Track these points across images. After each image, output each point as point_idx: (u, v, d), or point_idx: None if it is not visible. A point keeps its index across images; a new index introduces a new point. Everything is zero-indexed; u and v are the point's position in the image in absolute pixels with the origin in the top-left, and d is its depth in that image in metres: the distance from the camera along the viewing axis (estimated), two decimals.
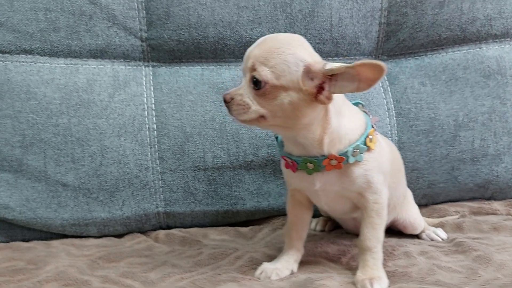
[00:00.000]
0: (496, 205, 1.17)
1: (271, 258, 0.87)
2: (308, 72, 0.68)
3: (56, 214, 0.98)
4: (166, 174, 1.04)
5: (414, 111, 1.14)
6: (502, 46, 1.17)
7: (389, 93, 1.16)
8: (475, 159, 1.15)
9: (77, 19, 1.01)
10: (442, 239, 0.99)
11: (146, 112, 1.05)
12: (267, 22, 1.07)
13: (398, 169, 0.91)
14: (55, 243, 0.98)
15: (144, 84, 1.07)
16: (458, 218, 1.11)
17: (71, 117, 1.00)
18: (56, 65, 1.02)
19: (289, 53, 0.69)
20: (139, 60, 1.09)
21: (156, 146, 1.04)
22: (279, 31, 1.08)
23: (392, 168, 0.86)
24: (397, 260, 0.86)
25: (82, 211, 0.99)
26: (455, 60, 1.16)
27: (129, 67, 1.08)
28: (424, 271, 0.80)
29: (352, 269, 0.82)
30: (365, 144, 0.75)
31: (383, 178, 0.80)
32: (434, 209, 1.20)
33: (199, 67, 1.10)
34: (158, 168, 1.04)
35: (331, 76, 0.67)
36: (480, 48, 1.17)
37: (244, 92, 0.72)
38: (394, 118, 1.14)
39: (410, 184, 1.15)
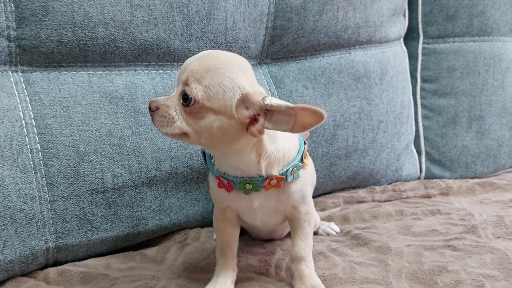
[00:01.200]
0: (361, 192, 1.33)
1: (198, 281, 0.84)
2: (244, 101, 0.65)
3: None
4: (57, 203, 0.88)
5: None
6: (367, 51, 1.31)
7: (276, 96, 1.19)
8: (348, 154, 1.28)
9: None
10: (337, 233, 1.08)
11: (25, 129, 0.86)
12: (163, 24, 0.98)
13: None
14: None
15: (17, 94, 0.87)
16: (340, 209, 1.22)
17: None
18: None
19: (228, 76, 0.65)
20: (5, 64, 0.88)
21: (43, 170, 0.86)
22: (176, 33, 1.00)
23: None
24: (317, 262, 0.90)
25: None
26: (331, 65, 1.25)
27: None
28: (348, 270, 0.86)
29: (284, 280, 0.85)
30: (301, 161, 0.77)
31: (311, 189, 0.83)
32: (315, 202, 1.27)
33: (83, 72, 0.94)
34: (47, 196, 0.87)
35: (268, 110, 0.65)
36: (349, 53, 1.28)
37: (171, 104, 0.68)
38: None
39: None
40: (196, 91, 0.64)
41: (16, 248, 0.84)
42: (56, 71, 0.92)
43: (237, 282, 0.83)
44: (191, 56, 0.70)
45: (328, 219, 1.15)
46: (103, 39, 0.93)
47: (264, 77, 1.19)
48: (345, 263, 0.90)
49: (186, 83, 0.66)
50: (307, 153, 0.80)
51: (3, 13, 0.85)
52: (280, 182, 0.74)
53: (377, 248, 0.95)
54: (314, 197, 1.28)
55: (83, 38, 0.91)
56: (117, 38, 0.94)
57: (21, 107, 0.87)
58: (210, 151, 0.74)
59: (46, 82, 0.90)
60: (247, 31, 1.11)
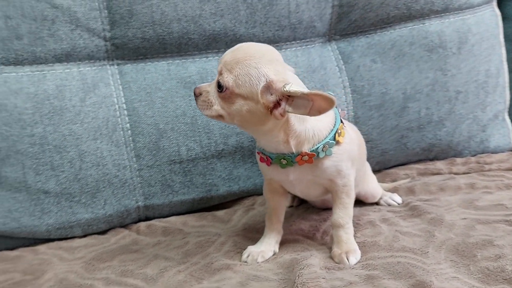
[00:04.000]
0: (439, 164, 1.32)
1: (251, 239, 0.96)
2: (269, 88, 0.75)
3: (40, 221, 1.01)
4: (144, 171, 1.09)
5: (367, 88, 1.24)
6: (443, 20, 1.27)
7: (344, 71, 1.24)
8: (421, 127, 1.28)
9: (39, 24, 1.00)
10: (398, 204, 1.12)
11: (118, 112, 1.07)
12: (229, 14, 1.11)
13: (362, 152, 1.02)
14: (42, 248, 1.02)
15: (112, 84, 1.09)
16: (409, 181, 1.25)
17: (45, 126, 1.01)
18: (23, 73, 1.02)
19: (254, 66, 0.75)
20: (103, 60, 1.10)
21: (132, 145, 1.08)
22: (241, 22, 1.12)
23: (359, 153, 0.96)
24: (363, 230, 0.97)
25: (66, 215, 1.03)
26: (402, 37, 1.25)
27: (95, 67, 1.08)
28: (390, 239, 0.91)
29: (326, 244, 0.93)
30: (334, 139, 0.84)
31: (351, 164, 0.90)
32: (387, 173, 1.33)
33: (164, 62, 1.12)
34: (135, 165, 1.09)
35: (289, 96, 0.75)
36: (423, 24, 1.26)
37: (211, 90, 0.80)
38: (350, 95, 1.24)
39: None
40: (227, 79, 0.76)
41: (113, 206, 1.07)
42: (142, 63, 1.12)
43: (283, 243, 0.94)
44: (255, 41, 0.81)
45: (394, 190, 1.20)
46: (178, 32, 1.09)
47: (332, 54, 1.25)
48: (390, 232, 0.95)
49: (220, 73, 0.77)
50: (343, 131, 0.86)
51: (99, 18, 1.05)
52: (312, 158, 0.83)
53: (429, 220, 0.98)
54: (386, 168, 1.34)
55: (161, 34, 1.08)
56: (189, 31, 1.10)
57: (115, 94, 1.08)
58: (245, 131, 0.86)
59: (134, 73, 1.11)
60: (311, 11, 1.18)
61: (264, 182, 0.95)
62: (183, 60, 1.13)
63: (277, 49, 0.82)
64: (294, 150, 0.82)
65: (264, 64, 0.77)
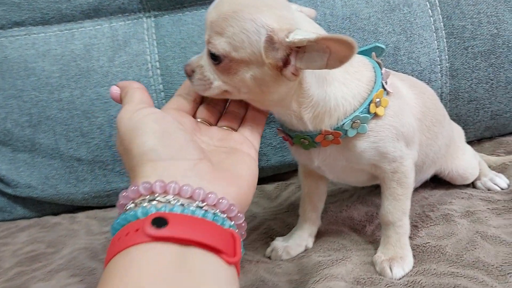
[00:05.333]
0: None
1: (289, 227, 0.80)
2: (272, 42, 0.53)
3: (76, 188, 0.98)
4: None
5: (471, 29, 0.92)
6: None
7: (438, 8, 0.93)
8: None
9: None
10: (502, 189, 0.84)
11: (150, 72, 0.96)
12: None
13: (434, 121, 0.74)
14: (80, 216, 1.00)
15: (147, 39, 0.97)
16: None
17: (72, 90, 0.95)
18: (51, 33, 0.96)
19: (248, 18, 0.53)
20: (139, 12, 0.98)
21: None
22: None
23: (425, 124, 0.71)
24: (432, 227, 0.74)
25: (101, 183, 0.98)
26: None
27: (129, 21, 0.98)
28: (463, 245, 0.67)
29: (376, 241, 0.72)
30: (368, 111, 0.61)
31: (404, 143, 0.65)
32: (501, 142, 1.02)
33: (203, 10, 0.96)
34: None
35: (299, 48, 0.52)
36: None
37: (205, 64, 0.58)
38: (445, 40, 0.93)
39: (467, 117, 0.97)
40: (221, 45, 0.54)
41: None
42: (180, 13, 0.97)
43: (323, 235, 0.77)
44: None
45: (503, 168, 0.90)
46: None
47: None
48: (468, 234, 0.70)
49: (208, 41, 0.56)
50: (385, 99, 0.62)
51: None
52: (338, 137, 0.61)
53: None
54: (501, 136, 1.01)
55: None
56: None
57: (149, 51, 0.97)
58: (256, 105, 0.66)
59: (171, 25, 0.97)
60: None
61: (298, 164, 0.76)
62: None
63: None
64: (310, 127, 0.61)
65: (262, 12, 0.54)
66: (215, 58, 0.56)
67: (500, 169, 0.90)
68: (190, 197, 0.43)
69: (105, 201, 1.01)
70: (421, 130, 0.70)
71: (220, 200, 0.44)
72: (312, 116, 0.60)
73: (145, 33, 0.97)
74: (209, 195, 0.43)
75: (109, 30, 0.97)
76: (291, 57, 0.53)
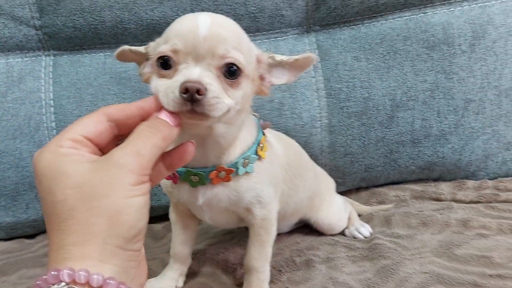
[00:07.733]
0: (443, 186, 1.09)
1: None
2: (259, 62, 0.61)
3: None
4: None
5: (346, 91, 1.02)
6: (452, 9, 1.00)
7: (320, 70, 1.03)
8: (416, 141, 1.04)
9: None
10: (365, 237, 0.92)
11: (43, 109, 0.98)
12: (169, 1, 0.95)
13: (297, 174, 0.81)
14: None
15: (43, 77, 0.99)
16: (392, 206, 1.03)
17: None
18: None
19: (247, 37, 0.60)
20: (38, 50, 1.00)
21: None
22: (184, 10, 0.96)
23: (288, 174, 0.77)
24: (294, 272, 0.80)
25: None
26: (394, 30, 1.01)
27: (27, 58, 1.00)
28: None
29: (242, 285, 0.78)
30: (256, 153, 0.66)
31: (273, 190, 0.71)
32: (374, 192, 1.12)
33: (101, 53, 1.00)
34: None
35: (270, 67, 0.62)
36: (424, 13, 1.01)
37: (212, 81, 0.54)
38: (324, 99, 1.03)
39: (344, 169, 1.06)
40: (241, 60, 0.55)
41: (38, 210, 0.99)
42: (78, 54, 1.01)
43: (194, 276, 0.80)
44: None
45: (369, 217, 0.99)
46: (111, 21, 0.96)
47: (308, 47, 1.04)
48: (323, 280, 0.76)
49: (225, 56, 0.54)
50: (266, 145, 0.68)
51: (27, 5, 0.96)
52: (229, 175, 0.65)
53: (379, 268, 0.78)
54: (375, 186, 1.12)
55: (93, 22, 0.96)
56: (123, 20, 0.96)
57: (44, 89, 0.99)
58: (214, 130, 0.60)
59: (68, 65, 1.00)
60: None
61: (170, 203, 0.80)
62: None
63: None
64: (229, 155, 0.64)
65: None
66: (233, 74, 0.55)
67: (367, 218, 1.00)
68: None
69: None
70: (284, 181, 0.77)
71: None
72: (224, 145, 0.64)
73: (42, 71, 0.99)
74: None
75: (5, 65, 0.98)
76: (266, 75, 0.62)
